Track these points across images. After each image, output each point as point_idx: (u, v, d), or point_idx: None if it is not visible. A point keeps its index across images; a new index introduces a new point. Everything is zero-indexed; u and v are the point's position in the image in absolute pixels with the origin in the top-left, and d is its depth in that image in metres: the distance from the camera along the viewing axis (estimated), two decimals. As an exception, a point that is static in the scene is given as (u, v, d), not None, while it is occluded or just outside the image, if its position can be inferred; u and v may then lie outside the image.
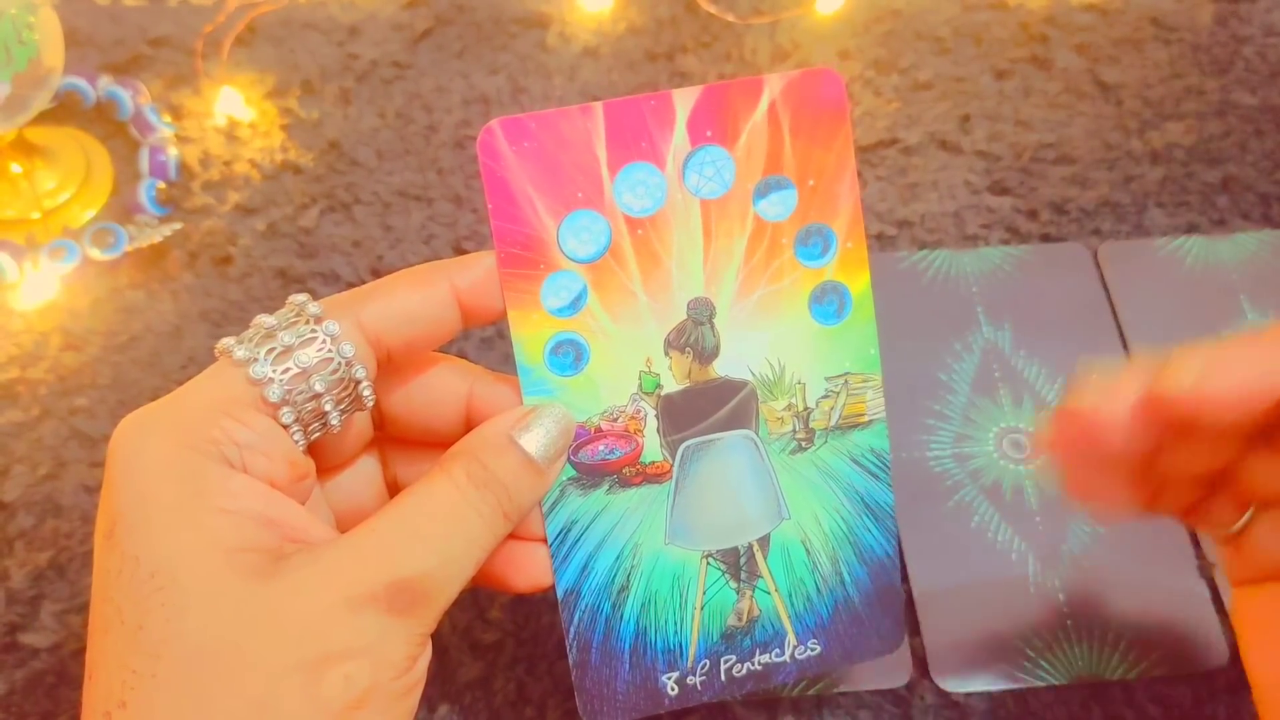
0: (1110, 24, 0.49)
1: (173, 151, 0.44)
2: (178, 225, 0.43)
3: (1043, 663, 0.33)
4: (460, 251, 0.43)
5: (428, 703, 0.33)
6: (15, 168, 0.43)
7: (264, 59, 0.48)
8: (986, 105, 0.46)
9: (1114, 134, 0.45)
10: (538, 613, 0.35)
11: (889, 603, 0.29)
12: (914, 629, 0.34)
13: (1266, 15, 0.49)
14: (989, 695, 0.33)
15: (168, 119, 0.46)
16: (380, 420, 0.28)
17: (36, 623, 0.35)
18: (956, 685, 0.33)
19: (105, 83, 0.46)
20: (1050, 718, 0.33)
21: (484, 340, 0.41)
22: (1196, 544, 0.35)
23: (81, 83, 0.46)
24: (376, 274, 0.42)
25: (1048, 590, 0.35)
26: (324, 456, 0.27)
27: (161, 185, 0.44)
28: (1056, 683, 0.33)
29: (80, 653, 0.34)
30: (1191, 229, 0.43)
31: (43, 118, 0.43)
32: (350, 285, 0.42)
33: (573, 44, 0.48)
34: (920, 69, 0.47)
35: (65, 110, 0.46)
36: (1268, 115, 0.46)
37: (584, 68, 0.48)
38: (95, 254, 0.42)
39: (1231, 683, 0.33)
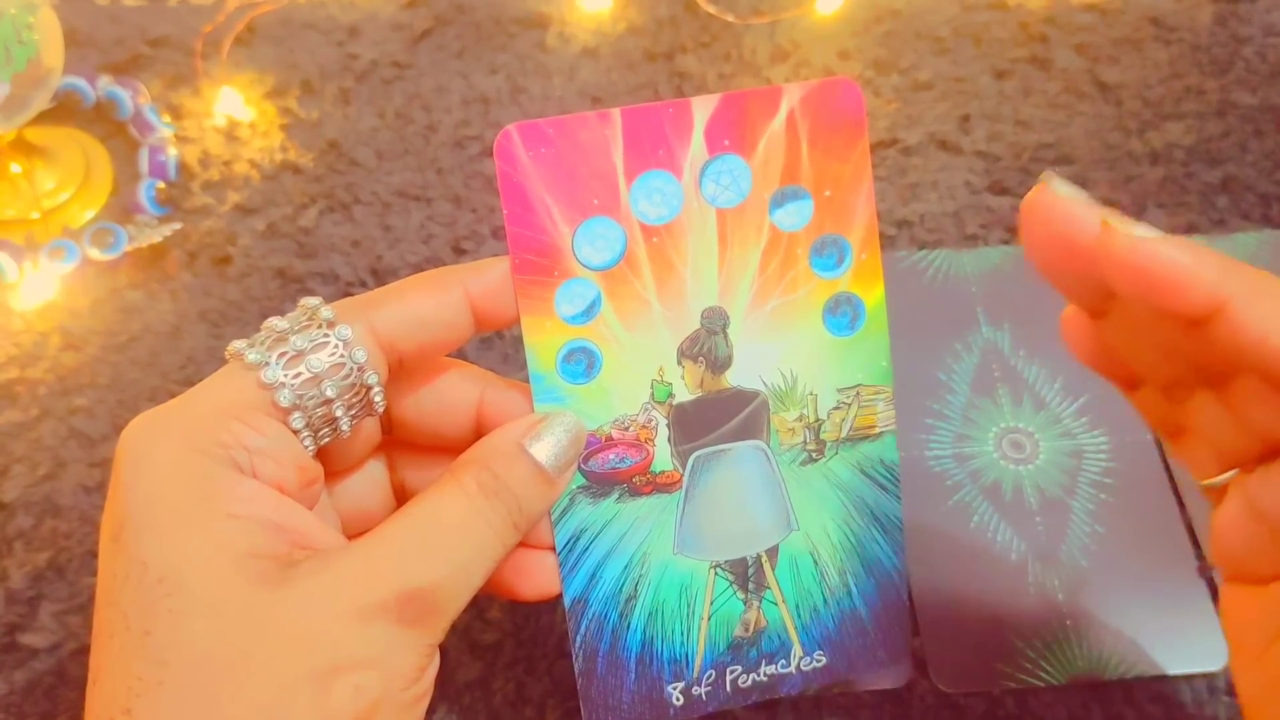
0: (1110, 24, 0.49)
1: (172, 151, 0.44)
2: (177, 225, 0.43)
3: (1042, 663, 0.33)
4: (460, 251, 0.43)
5: (427, 703, 0.33)
6: (15, 168, 0.43)
7: (263, 59, 0.48)
8: (986, 105, 0.46)
9: (1114, 134, 0.45)
10: (537, 613, 0.35)
11: (895, 615, 0.29)
12: (914, 629, 0.34)
13: (1266, 15, 0.49)
14: (988, 695, 0.33)
15: (167, 119, 0.46)
16: (389, 425, 0.28)
17: (35, 623, 0.35)
18: (956, 685, 0.33)
19: (105, 83, 0.46)
20: (1050, 718, 0.33)
21: (484, 341, 0.41)
22: (1196, 544, 0.35)
23: (81, 83, 0.46)
24: (375, 274, 0.42)
25: (1047, 590, 0.35)
26: (331, 460, 0.27)
27: (161, 185, 0.44)
28: (1056, 683, 0.33)
29: (80, 653, 0.34)
30: (1191, 229, 0.43)
31: (42, 118, 0.43)
32: (349, 285, 0.42)
33: (572, 44, 0.48)
34: (920, 69, 0.47)
35: (65, 110, 0.46)
36: (1268, 115, 0.46)
37: (583, 68, 0.48)
38: (95, 254, 0.42)
39: (1231, 683, 0.33)
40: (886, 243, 0.43)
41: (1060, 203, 0.23)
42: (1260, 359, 0.21)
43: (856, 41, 0.48)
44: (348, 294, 0.41)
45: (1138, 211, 0.43)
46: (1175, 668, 0.33)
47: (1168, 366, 0.25)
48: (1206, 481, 0.25)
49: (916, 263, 0.42)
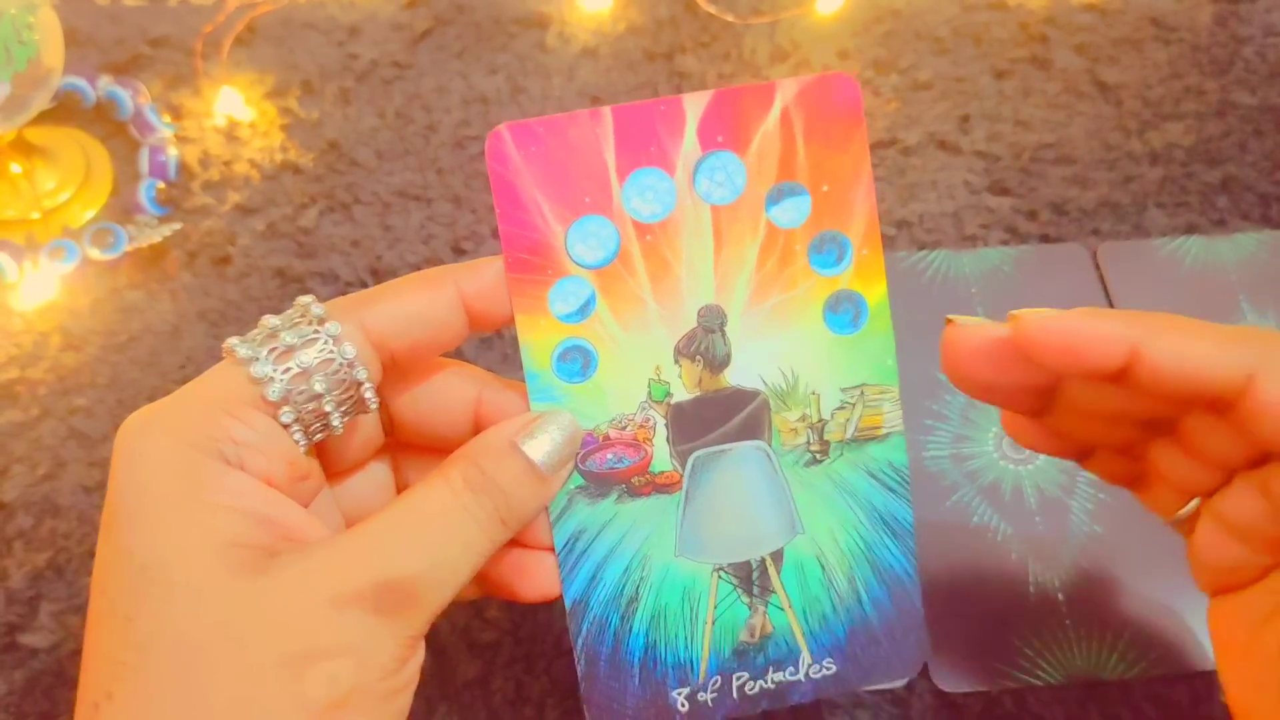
0: (1110, 24, 0.49)
1: (172, 151, 0.44)
2: (177, 225, 0.43)
3: (1041, 662, 0.33)
4: (459, 251, 0.43)
5: (426, 702, 0.33)
6: (15, 168, 0.43)
7: (264, 59, 0.48)
8: (986, 105, 0.46)
9: (1114, 134, 0.45)
10: (535, 611, 0.35)
11: (909, 624, 0.29)
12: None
13: (1266, 15, 0.49)
14: (987, 695, 0.33)
15: (167, 119, 0.46)
16: (390, 425, 0.28)
17: (35, 623, 0.35)
18: (955, 685, 0.33)
19: (105, 83, 0.46)
20: (1049, 717, 0.33)
21: (483, 340, 0.41)
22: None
23: (81, 83, 0.46)
24: (375, 274, 0.42)
25: (1047, 590, 0.35)
26: (335, 461, 0.27)
27: (161, 185, 0.44)
28: (1054, 682, 0.33)
29: (78, 653, 0.34)
30: (1191, 229, 0.43)
31: (43, 118, 0.43)
32: (349, 285, 0.42)
33: (572, 44, 0.48)
34: (920, 69, 0.47)
35: (65, 110, 0.46)
36: (1267, 115, 0.46)
37: (583, 68, 0.48)
38: (95, 254, 0.42)
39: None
40: (886, 243, 0.43)
41: (970, 329, 0.25)
42: (1182, 386, 0.22)
43: (856, 41, 0.48)
44: (347, 294, 0.41)
45: (1138, 211, 0.43)
46: (1174, 668, 0.33)
47: (1118, 432, 0.26)
48: (1173, 517, 0.27)
49: (915, 263, 0.42)
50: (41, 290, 0.41)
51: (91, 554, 0.36)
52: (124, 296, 0.42)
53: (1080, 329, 0.23)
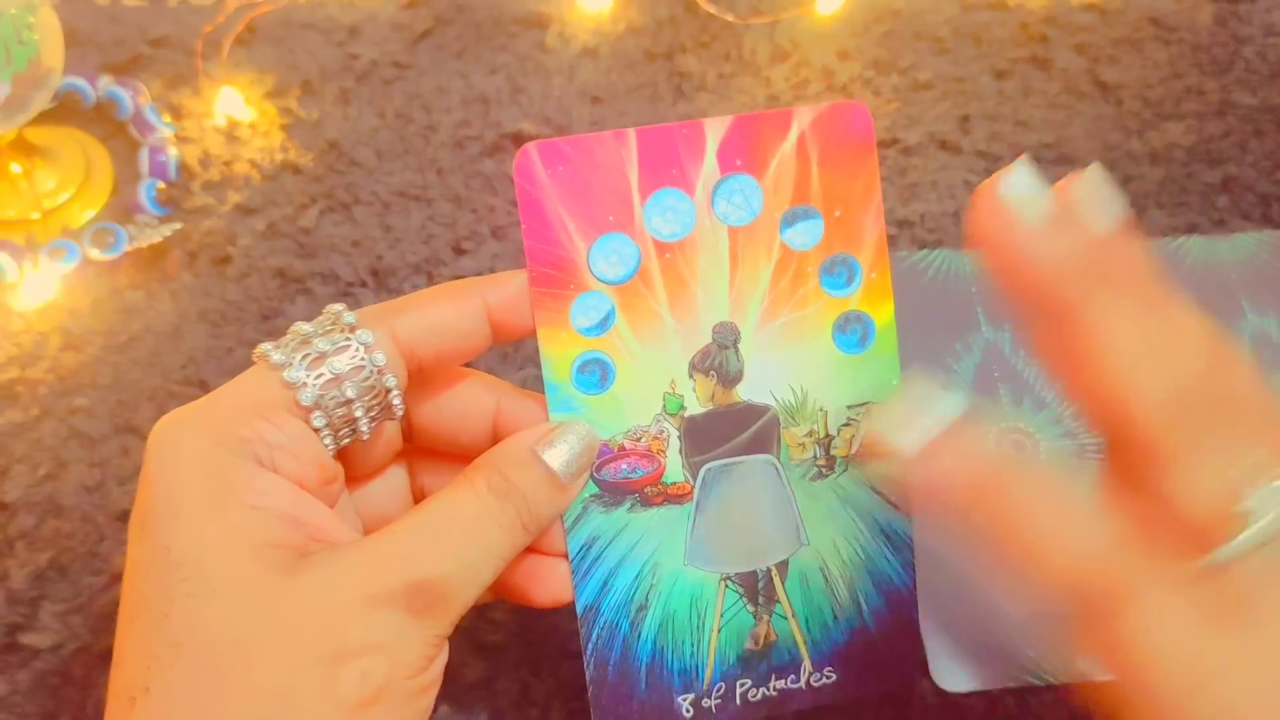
0: (1110, 24, 0.49)
1: (173, 151, 0.44)
2: (177, 225, 0.43)
3: (1042, 663, 0.33)
4: (460, 251, 0.43)
5: (429, 703, 0.33)
6: (15, 168, 0.43)
7: (264, 59, 0.48)
8: (986, 105, 0.46)
9: (1114, 134, 0.45)
10: (542, 613, 0.35)
11: (906, 634, 0.29)
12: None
13: (1266, 15, 0.49)
14: (988, 695, 0.33)
15: (168, 119, 0.46)
16: (409, 432, 0.29)
17: (37, 623, 0.35)
18: (956, 685, 0.33)
19: (105, 83, 0.46)
20: (1050, 718, 0.33)
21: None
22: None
23: (81, 83, 0.45)
24: (375, 274, 0.42)
25: (1048, 590, 0.35)
26: (354, 465, 0.28)
27: (161, 185, 0.44)
28: (1056, 683, 0.33)
29: (81, 653, 0.34)
30: (1191, 229, 0.43)
31: (43, 118, 0.43)
32: (349, 285, 0.42)
33: (572, 44, 0.48)
34: (920, 69, 0.47)
35: (65, 110, 0.46)
36: (1268, 115, 0.46)
37: (583, 68, 0.48)
38: (95, 254, 0.42)
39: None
40: (887, 242, 0.43)
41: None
42: None
43: (856, 41, 0.48)
44: (348, 294, 0.41)
45: (1138, 211, 0.43)
46: (1175, 667, 0.33)
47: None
48: None
49: (917, 263, 0.42)
50: (41, 290, 0.41)
51: (93, 554, 0.36)
52: (124, 296, 0.41)
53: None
